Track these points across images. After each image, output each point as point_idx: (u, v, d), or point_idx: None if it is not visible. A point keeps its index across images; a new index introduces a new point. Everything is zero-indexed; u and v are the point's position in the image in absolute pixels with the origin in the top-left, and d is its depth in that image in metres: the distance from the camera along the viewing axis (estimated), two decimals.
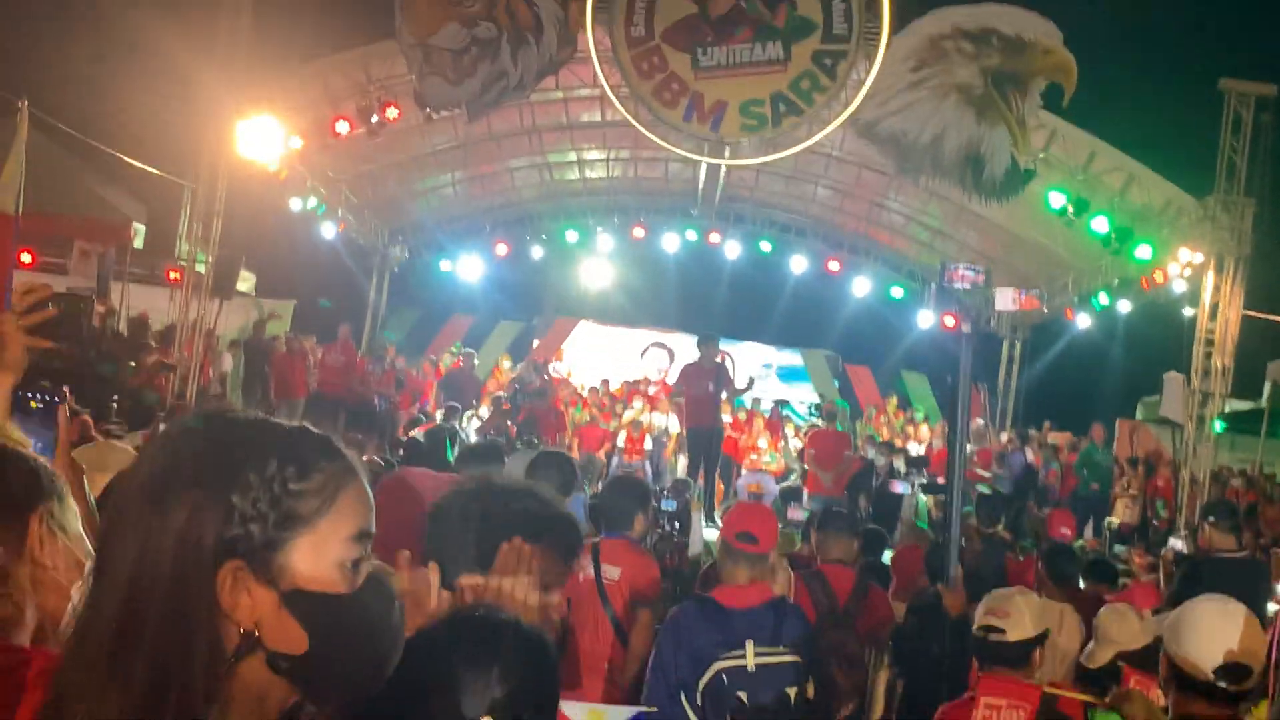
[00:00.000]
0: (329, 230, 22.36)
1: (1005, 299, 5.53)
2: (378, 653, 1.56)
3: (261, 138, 16.09)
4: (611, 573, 5.88)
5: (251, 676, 1.49)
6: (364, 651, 1.54)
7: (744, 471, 18.99)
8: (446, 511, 2.41)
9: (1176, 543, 9.36)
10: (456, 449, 7.40)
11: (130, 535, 1.45)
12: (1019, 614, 4.27)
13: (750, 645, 4.51)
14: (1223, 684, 3.17)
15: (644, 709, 3.71)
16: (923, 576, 7.21)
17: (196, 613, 1.43)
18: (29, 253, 15.65)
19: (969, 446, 18.20)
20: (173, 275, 17.74)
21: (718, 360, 15.27)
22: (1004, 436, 20.37)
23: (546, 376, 20.43)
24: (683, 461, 18.87)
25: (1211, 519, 7.03)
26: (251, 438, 1.52)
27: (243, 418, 1.57)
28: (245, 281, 20.53)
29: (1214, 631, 3.23)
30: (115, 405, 14.50)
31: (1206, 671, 3.19)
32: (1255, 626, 3.28)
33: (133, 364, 15.69)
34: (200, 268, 16.95)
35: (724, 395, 15.28)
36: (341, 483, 1.54)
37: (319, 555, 1.50)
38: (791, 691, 4.53)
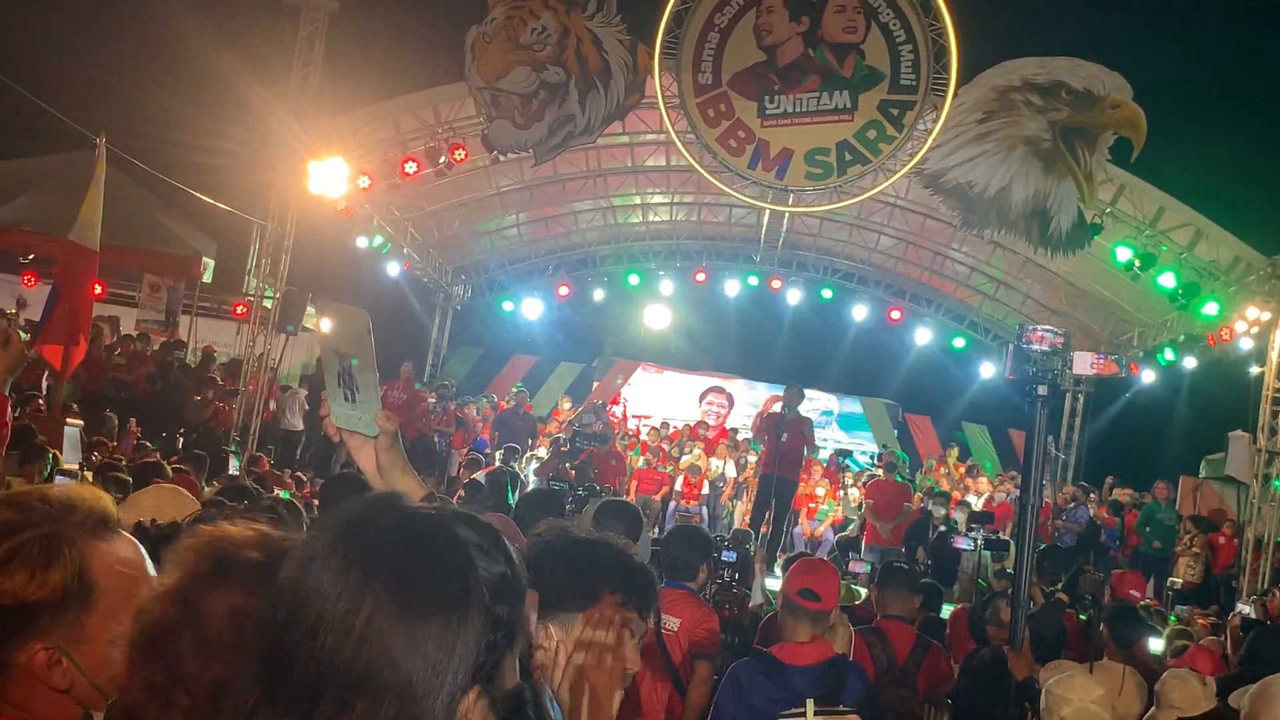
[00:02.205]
0: (394, 268, 22.63)
1: (1084, 363, 5.47)
2: None
3: (330, 176, 16.32)
4: (671, 624, 5.86)
5: None
6: None
7: (801, 519, 18.92)
8: (528, 559, 2.43)
9: (1245, 608, 9.19)
10: (517, 493, 7.43)
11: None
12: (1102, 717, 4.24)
13: (811, 704, 4.48)
14: None
15: None
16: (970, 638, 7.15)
17: None
18: (99, 284, 15.96)
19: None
20: (240, 310, 18.00)
21: (802, 411, 15.16)
22: (1066, 490, 20.11)
23: (606, 419, 20.43)
24: (739, 507, 18.82)
25: None
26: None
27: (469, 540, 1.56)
28: (311, 318, 20.78)
29: None
30: (181, 438, 14.74)
31: None
32: None
33: (198, 398, 15.92)
34: (268, 303, 17.17)
35: (805, 451, 15.20)
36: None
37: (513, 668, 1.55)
38: None
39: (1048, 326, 4.98)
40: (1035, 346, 5.10)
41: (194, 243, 19.22)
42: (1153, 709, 4.80)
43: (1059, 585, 8.09)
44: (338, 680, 1.37)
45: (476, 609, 1.44)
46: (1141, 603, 10.90)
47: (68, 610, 1.91)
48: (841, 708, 4.56)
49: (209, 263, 19.05)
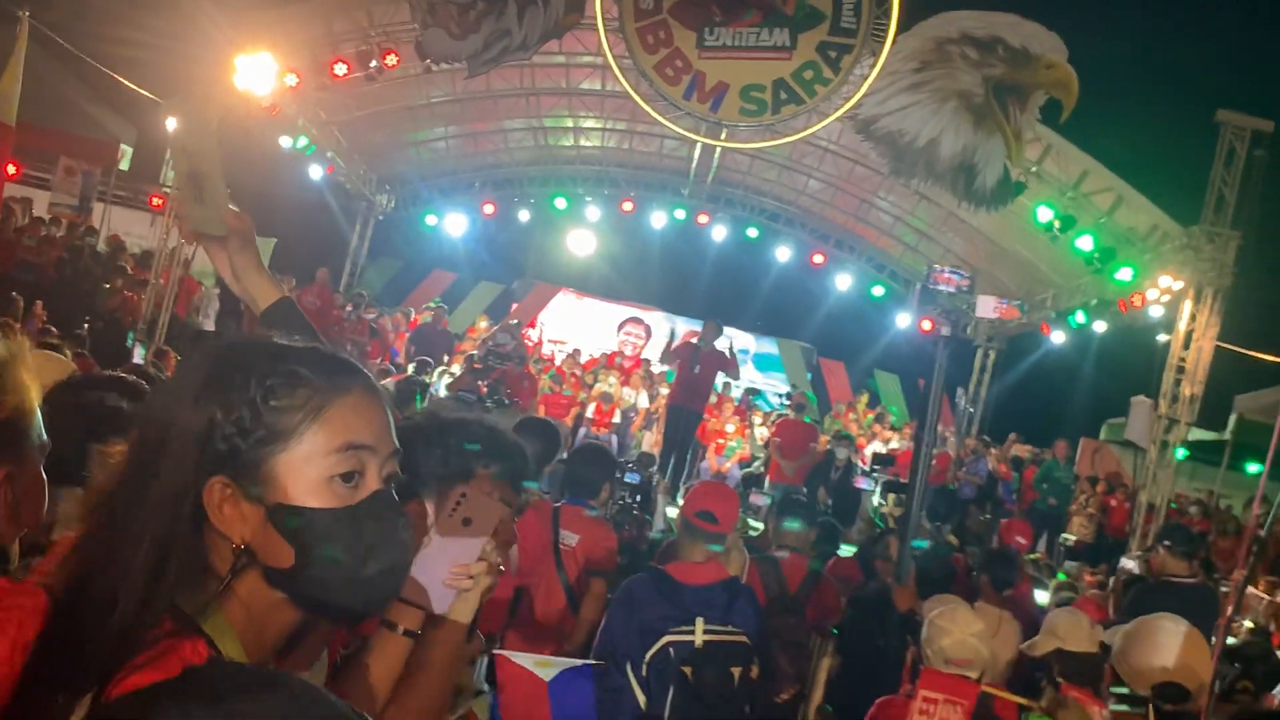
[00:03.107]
0: (316, 172, 22.27)
1: (986, 306, 5.54)
2: (381, 567, 1.55)
3: (257, 72, 15.95)
4: (569, 539, 5.96)
5: (250, 595, 1.50)
6: (364, 566, 1.53)
7: (709, 454, 19.06)
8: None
9: (1129, 563, 9.43)
10: (425, 403, 7.40)
11: (131, 454, 1.46)
12: (980, 656, 4.34)
13: (700, 622, 4.54)
14: (1160, 701, 3.21)
15: (592, 661, 3.73)
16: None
17: (179, 526, 1.45)
18: (14, 164, 15.54)
19: (931, 451, 18.32)
20: (156, 201, 17.63)
21: (718, 345, 15.17)
22: (968, 443, 20.48)
23: (520, 340, 20.38)
24: (648, 437, 18.92)
25: (1167, 543, 7.10)
26: (246, 358, 1.53)
27: (251, 341, 1.58)
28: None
29: (1160, 649, 3.27)
30: (87, 325, 14.45)
31: (1145, 686, 3.23)
32: (1201, 650, 3.32)
33: (107, 285, 15.62)
34: None
35: (721, 380, 15.24)
36: (330, 397, 1.54)
37: (303, 470, 1.50)
38: (736, 671, 4.56)
39: (954, 268, 5.03)
40: (941, 287, 5.15)
41: (113, 129, 18.80)
42: (1036, 638, 4.91)
43: (949, 528, 8.25)
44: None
45: (237, 395, 1.49)
46: (1030, 554, 11.14)
47: None
48: (730, 629, 4.62)
49: (127, 150, 18.64)
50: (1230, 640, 6.16)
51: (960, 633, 4.32)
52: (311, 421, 1.52)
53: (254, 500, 1.49)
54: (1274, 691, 2.99)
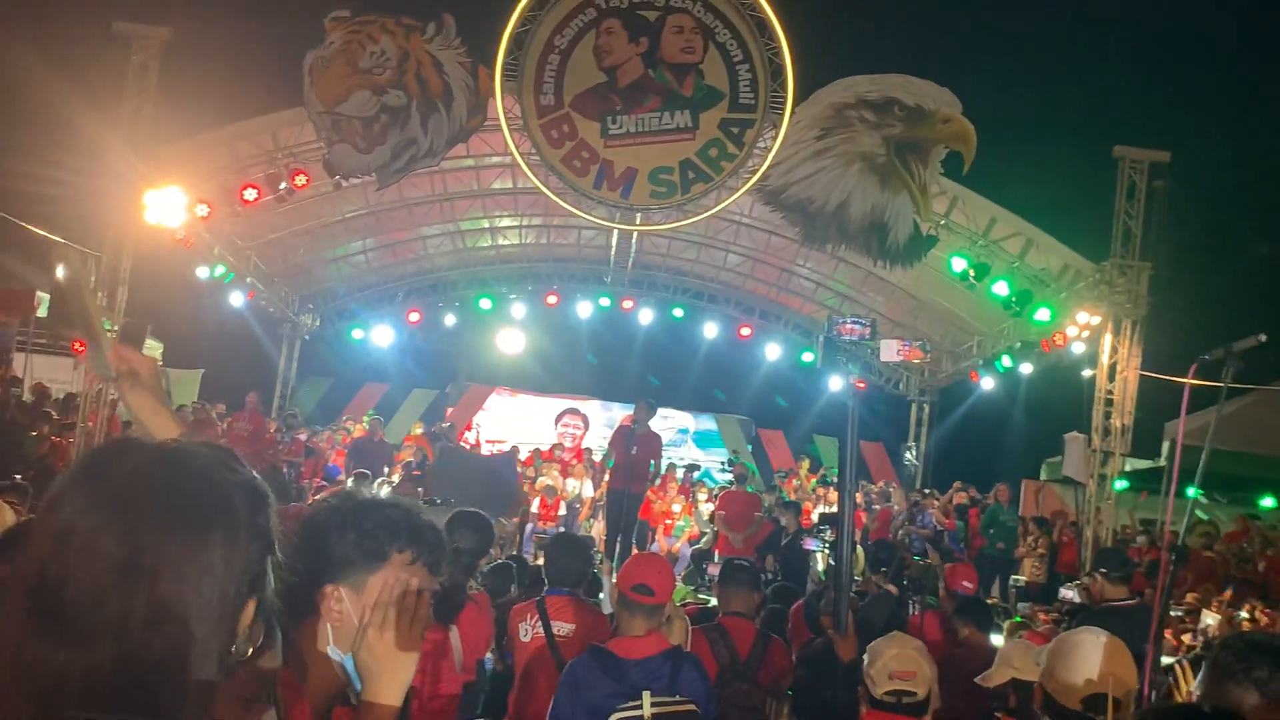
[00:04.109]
0: (237, 298, 22.23)
1: (890, 350, 5.71)
2: None
3: (168, 205, 15.96)
4: (563, 629, 6.03)
5: None
6: None
7: (658, 536, 19.03)
8: (314, 521, 2.40)
9: (1068, 592, 9.52)
10: None
11: None
12: (922, 670, 4.37)
13: (647, 695, 4.52)
14: (1090, 713, 3.26)
15: None
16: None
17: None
18: None
19: (875, 508, 18.41)
20: (78, 345, 17.46)
21: (651, 427, 15.18)
22: (911, 496, 20.60)
23: (457, 443, 20.32)
24: (596, 526, 18.86)
25: (1103, 570, 7.19)
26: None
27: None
28: (152, 350, 20.25)
29: (1083, 662, 3.33)
30: (19, 476, 14.21)
31: (1074, 700, 3.29)
32: (1124, 658, 3.38)
33: (34, 434, 15.42)
34: None
35: (652, 465, 15.25)
36: None
37: None
38: None
39: (855, 316, 5.15)
40: (845, 337, 5.25)
41: (26, 276, 18.61)
42: (992, 668, 4.96)
43: (881, 576, 8.31)
44: (140, 618, 1.40)
45: (243, 522, 1.50)
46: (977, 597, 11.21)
47: None
48: (678, 699, 4.61)
49: (43, 297, 18.45)
50: (1170, 659, 6.24)
51: (900, 648, 4.37)
52: None
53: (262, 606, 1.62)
54: (1191, 689, 3.05)
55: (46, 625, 1.41)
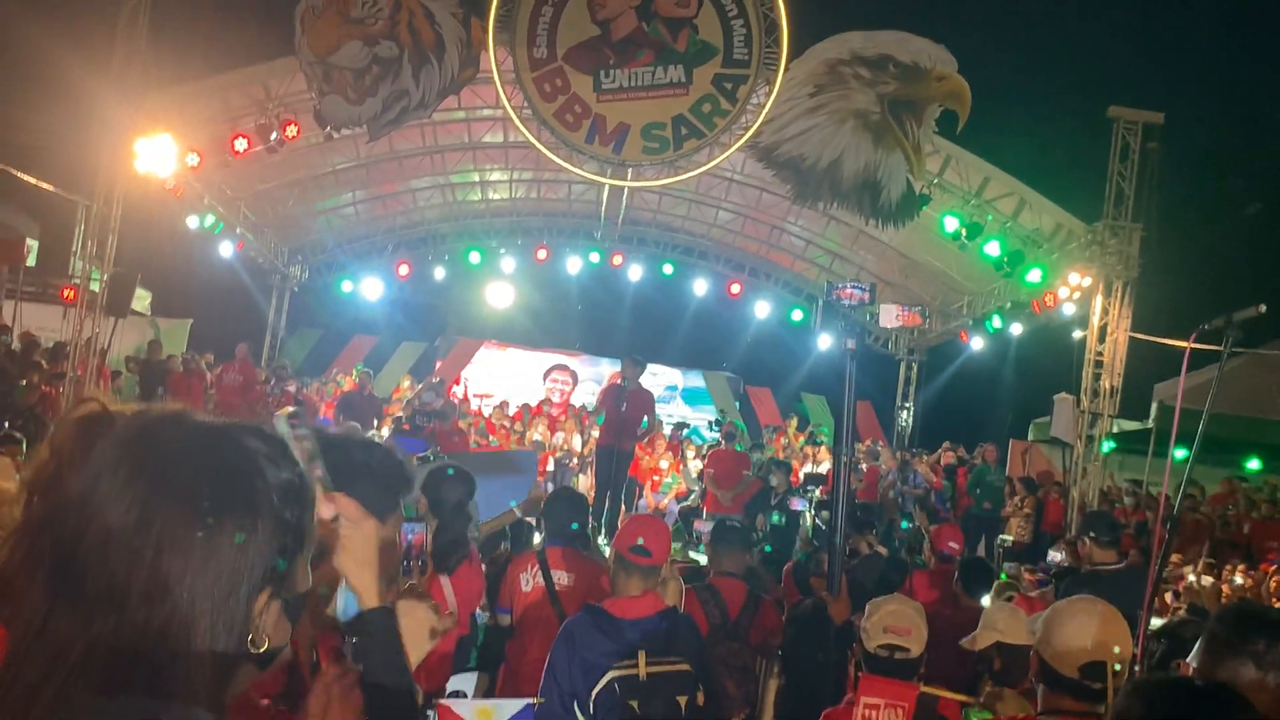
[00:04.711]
0: (227, 249, 22.14)
1: (889, 316, 5.72)
2: None
3: (158, 155, 15.87)
4: (564, 579, 6.13)
5: None
6: None
7: (646, 493, 19.07)
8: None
9: (1055, 555, 9.58)
10: None
11: None
12: (918, 629, 4.41)
13: (642, 655, 4.56)
14: (1087, 681, 3.29)
15: (533, 700, 3.74)
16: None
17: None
18: None
19: (862, 466, 18.49)
20: (67, 293, 17.40)
21: (643, 384, 15.18)
22: (899, 455, 20.67)
23: (446, 396, 20.29)
24: (583, 480, 18.90)
25: (1092, 534, 7.22)
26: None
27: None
28: (141, 300, 20.20)
29: (1079, 630, 3.36)
30: (7, 425, 14.19)
31: (1071, 668, 3.31)
32: (1119, 626, 3.40)
33: (24, 382, 15.38)
34: (95, 286, 16.64)
35: (645, 422, 15.25)
36: None
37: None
38: (683, 700, 4.58)
39: (855, 282, 5.14)
40: (844, 302, 5.25)
41: (16, 225, 18.53)
42: (975, 632, 4.99)
43: (869, 537, 8.37)
44: (138, 590, 1.40)
45: (266, 515, 1.49)
46: (980, 558, 11.30)
47: None
48: (673, 659, 4.65)
49: (33, 244, 18.37)
50: (1160, 621, 6.30)
51: (898, 605, 4.41)
52: None
53: (286, 604, 1.60)
54: (1187, 659, 3.08)
55: (62, 582, 1.42)
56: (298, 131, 17.21)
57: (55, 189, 16.82)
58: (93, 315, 16.59)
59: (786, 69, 15.87)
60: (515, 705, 3.37)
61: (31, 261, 18.55)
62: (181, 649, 1.41)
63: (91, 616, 1.40)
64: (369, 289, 26.59)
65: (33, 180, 16.58)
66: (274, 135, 17.04)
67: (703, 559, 11.66)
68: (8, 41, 17.94)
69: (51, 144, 16.86)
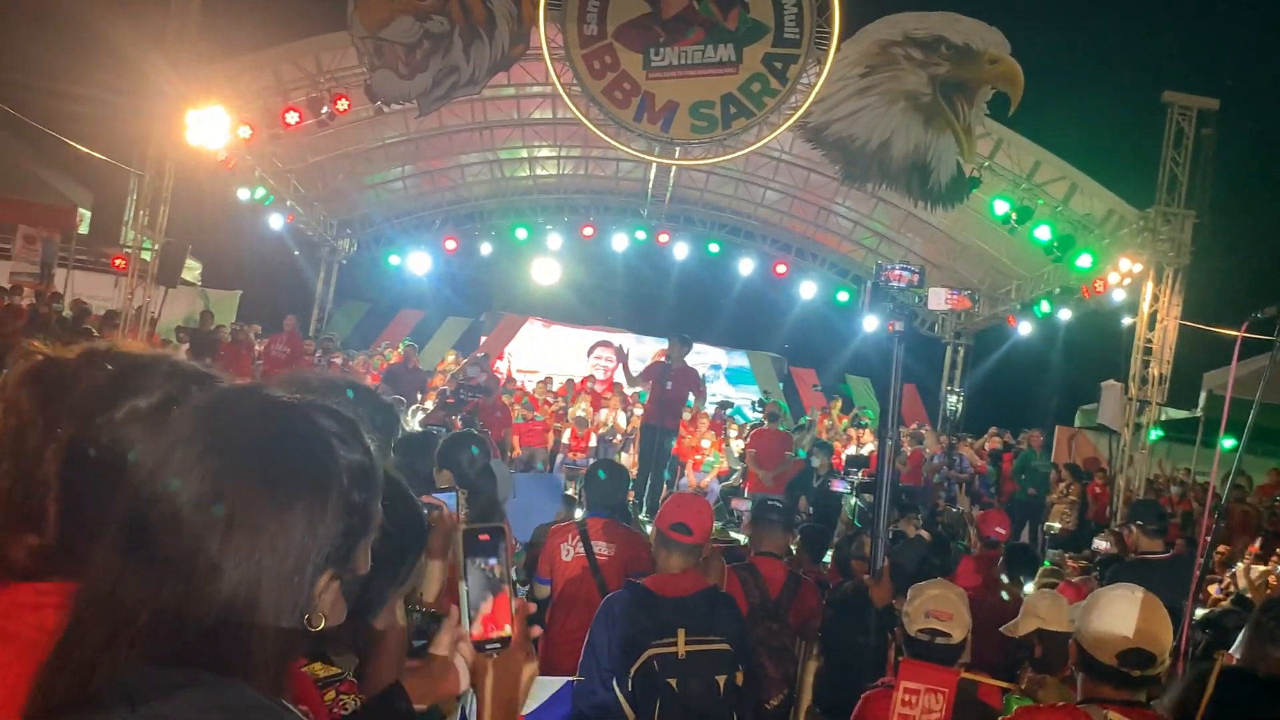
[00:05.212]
0: (276, 221, 22.29)
1: (938, 299, 5.65)
2: None
3: (210, 126, 16.02)
4: (605, 549, 6.14)
5: None
6: None
7: (688, 471, 19.09)
8: None
9: (1101, 543, 9.51)
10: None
11: None
12: (960, 615, 4.39)
13: (681, 633, 4.57)
14: (1125, 668, 3.28)
15: (574, 678, 3.77)
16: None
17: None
18: None
19: (906, 450, 18.41)
20: (118, 263, 17.61)
21: (688, 362, 15.18)
22: (943, 440, 20.56)
23: (490, 371, 20.38)
24: (625, 458, 18.94)
25: (1139, 522, 7.17)
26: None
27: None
28: (191, 270, 20.38)
29: (1117, 617, 3.34)
30: None
31: (1110, 655, 3.30)
32: (1159, 614, 3.38)
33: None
34: (146, 255, 16.83)
35: (691, 401, 15.27)
36: None
37: None
38: (721, 679, 4.58)
39: (904, 264, 5.11)
40: (893, 284, 5.22)
41: (69, 194, 18.75)
42: (1018, 617, 4.98)
43: (914, 522, 8.34)
44: (206, 562, 1.41)
45: (336, 495, 1.50)
46: (1025, 544, 11.26)
47: None
48: (712, 637, 4.66)
49: (85, 214, 18.59)
50: (1205, 610, 6.25)
51: (940, 589, 4.39)
52: None
53: (344, 585, 1.62)
54: (1230, 649, 3.06)
55: (132, 548, 1.44)
56: (348, 105, 17.28)
57: (108, 159, 17.01)
58: (143, 285, 16.78)
59: (838, 49, 15.76)
60: (555, 683, 3.39)
61: (84, 230, 18.77)
62: (244, 623, 1.42)
63: (160, 585, 1.41)
64: (416, 263, 26.72)
65: (85, 150, 16.77)
66: (325, 109, 17.14)
67: (742, 538, 11.68)
68: (62, 13, 18.13)
69: (105, 115, 17.02)
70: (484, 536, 1.94)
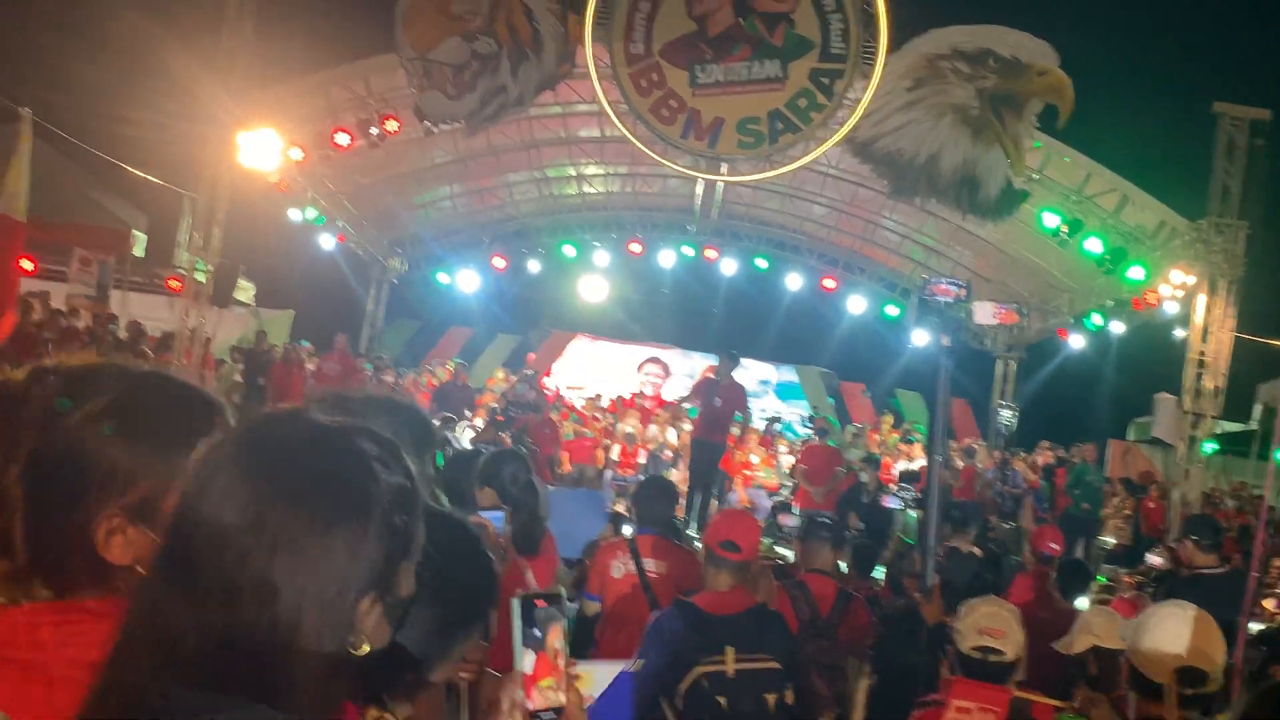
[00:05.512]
0: (328, 241, 22.53)
1: (984, 313, 5.63)
2: None
3: (262, 149, 16.22)
4: (657, 567, 6.13)
5: None
6: None
7: (737, 486, 19.06)
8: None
9: (1154, 558, 9.42)
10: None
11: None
12: (1013, 632, 4.33)
13: (730, 651, 4.56)
14: (1177, 687, 3.24)
15: (630, 666, 3.75)
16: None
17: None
18: (30, 260, 15.71)
19: (958, 464, 18.29)
20: (173, 284, 17.82)
21: (736, 378, 15.19)
22: (994, 455, 20.41)
23: (539, 389, 20.46)
24: (675, 474, 18.93)
25: (1194, 537, 7.09)
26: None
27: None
28: (244, 291, 20.60)
29: (1169, 635, 3.31)
30: None
31: (1161, 674, 3.27)
32: (1211, 631, 3.34)
33: None
34: (200, 277, 17.03)
35: (739, 416, 15.26)
36: None
37: None
38: (771, 698, 4.57)
39: (951, 278, 5.10)
40: (939, 298, 5.20)
41: (124, 216, 19.00)
42: (1071, 633, 4.92)
43: (971, 538, 8.27)
44: (250, 587, 1.42)
45: (377, 518, 1.50)
46: (1077, 559, 11.14)
47: None
48: (762, 656, 4.65)
49: (140, 236, 18.83)
50: (1260, 626, 6.17)
51: (995, 607, 4.34)
52: None
53: (388, 608, 1.61)
54: None
55: (174, 577, 1.45)
56: (398, 126, 17.45)
57: (162, 181, 17.23)
58: (197, 305, 16.98)
59: (884, 63, 15.72)
60: (611, 669, 3.36)
61: (139, 252, 19.00)
62: (288, 649, 1.43)
63: (204, 611, 1.42)
64: (465, 281, 26.90)
65: (140, 173, 17.00)
66: (374, 130, 17.32)
67: (789, 555, 11.65)
68: (118, 38, 18.39)
69: (158, 138, 17.25)
70: (541, 603, 1.93)
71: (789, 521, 12.12)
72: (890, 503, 12.43)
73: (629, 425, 20.86)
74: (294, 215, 20.34)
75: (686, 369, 28.57)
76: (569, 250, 26.25)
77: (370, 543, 1.49)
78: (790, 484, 18.02)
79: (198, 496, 1.47)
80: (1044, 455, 20.51)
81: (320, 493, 1.48)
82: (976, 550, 7.64)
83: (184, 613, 1.43)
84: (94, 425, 1.76)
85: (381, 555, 1.51)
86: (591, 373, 28.39)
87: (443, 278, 27.15)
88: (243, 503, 1.45)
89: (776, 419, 23.35)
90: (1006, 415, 24.68)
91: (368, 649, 1.54)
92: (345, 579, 1.47)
